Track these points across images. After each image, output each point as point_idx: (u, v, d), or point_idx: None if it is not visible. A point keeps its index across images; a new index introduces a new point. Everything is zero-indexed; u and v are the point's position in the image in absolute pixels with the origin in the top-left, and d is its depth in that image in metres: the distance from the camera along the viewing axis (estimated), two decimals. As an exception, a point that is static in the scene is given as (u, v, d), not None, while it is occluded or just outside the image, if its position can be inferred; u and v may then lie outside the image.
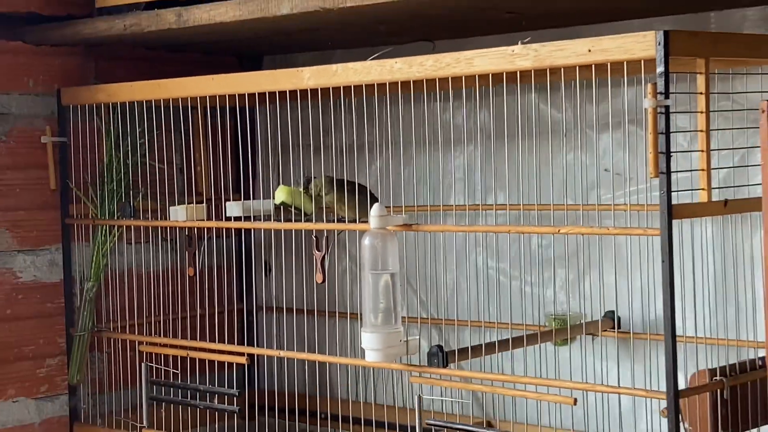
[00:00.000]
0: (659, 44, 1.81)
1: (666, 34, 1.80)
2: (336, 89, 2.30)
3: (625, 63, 1.87)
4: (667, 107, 1.81)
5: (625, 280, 2.44)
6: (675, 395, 1.84)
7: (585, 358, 2.35)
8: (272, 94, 2.40)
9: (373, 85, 2.24)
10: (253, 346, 3.07)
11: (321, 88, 2.30)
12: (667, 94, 1.80)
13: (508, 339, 2.26)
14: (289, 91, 2.35)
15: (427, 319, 2.79)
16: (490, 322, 2.44)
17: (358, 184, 2.40)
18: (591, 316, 2.52)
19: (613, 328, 2.50)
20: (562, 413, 2.45)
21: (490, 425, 2.61)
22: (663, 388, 1.89)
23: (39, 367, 2.81)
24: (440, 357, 2.16)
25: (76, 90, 2.79)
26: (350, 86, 2.29)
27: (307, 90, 2.32)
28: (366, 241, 2.18)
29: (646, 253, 2.35)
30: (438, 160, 2.57)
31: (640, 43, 1.84)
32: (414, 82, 2.17)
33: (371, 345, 2.18)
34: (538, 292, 2.64)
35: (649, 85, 1.81)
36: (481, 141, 2.45)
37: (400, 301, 2.20)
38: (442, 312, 2.81)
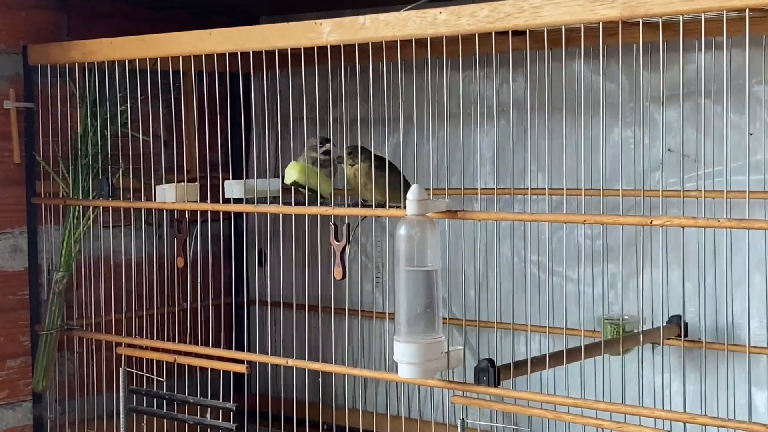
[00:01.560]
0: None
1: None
2: (363, 46, 2.06)
3: (746, 11, 1.61)
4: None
5: (689, 280, 2.19)
6: (806, 433, 1.52)
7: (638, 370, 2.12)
8: (283, 53, 2.19)
9: (411, 41, 1.99)
10: (249, 346, 2.95)
11: (344, 45, 2.08)
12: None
13: (580, 347, 2.02)
14: (304, 49, 2.14)
15: (462, 320, 2.55)
16: (529, 326, 2.23)
17: (389, 162, 2.18)
18: (651, 321, 2.29)
19: (679, 335, 2.32)
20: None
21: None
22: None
23: (-2, 369, 2.75)
24: (491, 374, 1.88)
25: (45, 47, 2.62)
26: (381, 42, 2.04)
27: (326, 47, 2.10)
28: (401, 230, 1.92)
29: (716, 246, 2.14)
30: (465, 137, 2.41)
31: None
32: (462, 38, 1.91)
33: (407, 358, 1.90)
34: (591, 291, 2.42)
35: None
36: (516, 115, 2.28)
37: (442, 303, 1.94)
38: (465, 311, 2.55)
